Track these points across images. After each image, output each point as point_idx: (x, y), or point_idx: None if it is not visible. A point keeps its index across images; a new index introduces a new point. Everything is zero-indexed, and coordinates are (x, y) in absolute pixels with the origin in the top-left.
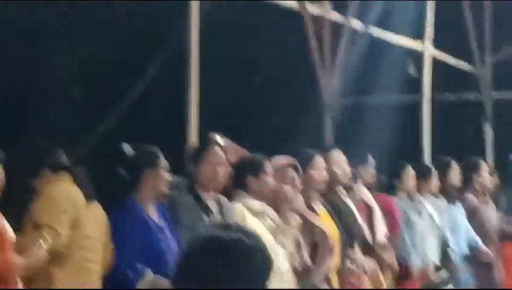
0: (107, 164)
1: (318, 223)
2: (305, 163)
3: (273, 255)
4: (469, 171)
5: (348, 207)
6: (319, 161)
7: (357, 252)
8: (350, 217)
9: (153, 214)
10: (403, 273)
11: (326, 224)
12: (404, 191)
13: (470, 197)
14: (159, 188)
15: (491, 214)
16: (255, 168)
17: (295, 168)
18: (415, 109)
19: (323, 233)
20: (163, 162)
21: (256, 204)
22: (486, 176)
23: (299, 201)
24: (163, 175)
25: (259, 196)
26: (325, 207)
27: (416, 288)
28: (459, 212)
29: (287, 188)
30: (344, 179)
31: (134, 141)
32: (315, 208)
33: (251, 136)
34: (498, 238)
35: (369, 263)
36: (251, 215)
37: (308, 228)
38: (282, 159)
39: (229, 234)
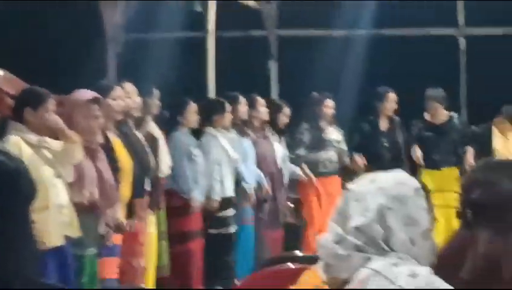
0: None
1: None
2: (103, 94)
3: (51, 188)
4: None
5: (139, 138)
6: (118, 91)
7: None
8: (141, 148)
9: None
10: (183, 208)
11: (120, 155)
12: (187, 127)
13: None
14: None
15: (269, 148)
16: (34, 101)
17: (98, 102)
18: (200, 46)
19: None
20: None
21: (33, 137)
22: (263, 110)
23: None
24: None
25: (38, 129)
26: (119, 137)
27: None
28: (248, 145)
29: (84, 124)
30: (135, 111)
31: None
32: (110, 138)
33: (38, 70)
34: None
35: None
36: (28, 148)
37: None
38: (84, 94)
39: None
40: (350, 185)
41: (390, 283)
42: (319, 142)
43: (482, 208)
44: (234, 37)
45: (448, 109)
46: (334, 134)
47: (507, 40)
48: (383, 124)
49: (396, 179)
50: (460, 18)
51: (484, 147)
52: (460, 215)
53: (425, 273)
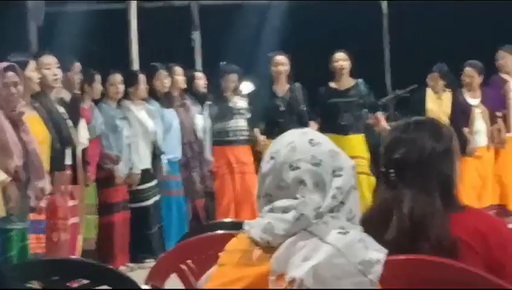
0: None
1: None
2: (21, 66)
3: None
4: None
5: (58, 111)
6: (36, 63)
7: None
8: (60, 121)
9: None
10: (109, 179)
11: (36, 128)
12: (111, 98)
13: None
14: None
15: (188, 118)
16: None
17: (14, 70)
18: (122, 16)
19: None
20: None
21: None
22: (180, 79)
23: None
24: None
25: None
26: (37, 110)
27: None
28: (173, 116)
29: (3, 92)
30: (55, 83)
31: None
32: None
33: None
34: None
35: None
36: None
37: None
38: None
39: None
40: (279, 153)
41: (321, 241)
42: (227, 112)
43: (406, 166)
44: (156, 7)
45: (370, 72)
46: (240, 102)
47: (429, 3)
48: (281, 89)
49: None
50: None
51: (417, 110)
52: (383, 176)
53: (355, 230)
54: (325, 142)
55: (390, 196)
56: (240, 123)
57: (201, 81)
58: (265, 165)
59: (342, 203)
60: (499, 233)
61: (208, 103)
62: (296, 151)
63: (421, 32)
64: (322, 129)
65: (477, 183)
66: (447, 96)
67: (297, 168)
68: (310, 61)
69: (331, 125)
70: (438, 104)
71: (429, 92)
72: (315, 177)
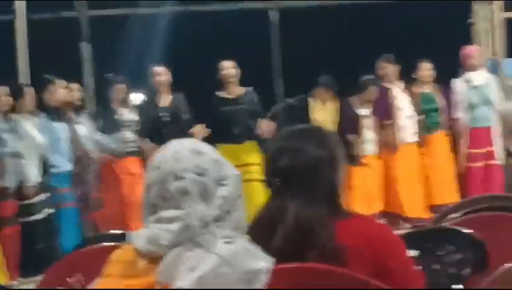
0: None
1: None
2: None
3: None
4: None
5: None
6: None
7: None
8: None
9: None
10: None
11: None
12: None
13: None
14: None
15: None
16: None
17: None
18: (9, 29)
19: None
20: None
21: None
22: (62, 92)
23: None
24: None
25: None
26: None
27: None
28: (62, 129)
29: None
30: None
31: None
32: None
33: None
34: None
35: None
36: None
37: None
38: None
39: None
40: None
41: (206, 251)
42: (115, 124)
43: (291, 175)
44: (45, 18)
45: (260, 82)
46: (128, 115)
47: (318, 11)
48: (164, 100)
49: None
50: None
51: (301, 118)
52: (268, 185)
53: (241, 240)
54: (210, 151)
55: (275, 205)
56: (127, 135)
57: (75, 93)
58: (150, 175)
59: (228, 212)
60: (385, 239)
61: (85, 114)
62: (181, 161)
63: (311, 41)
64: (215, 139)
65: (366, 191)
66: (332, 105)
67: (182, 178)
68: (200, 70)
69: (224, 134)
70: (322, 113)
71: (313, 102)
72: (200, 187)
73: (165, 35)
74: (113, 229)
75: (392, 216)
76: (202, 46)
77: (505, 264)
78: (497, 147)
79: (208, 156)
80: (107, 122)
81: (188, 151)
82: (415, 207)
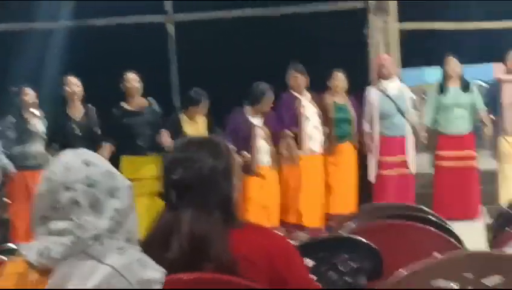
0: None
1: None
2: None
3: None
4: None
5: None
6: None
7: None
8: None
9: None
10: None
11: None
12: None
13: None
14: None
15: None
16: None
17: None
18: None
19: None
20: None
21: None
22: None
23: None
24: None
25: None
26: None
27: None
28: None
29: None
30: None
31: None
32: None
33: None
34: None
35: None
36: None
37: None
38: None
39: None
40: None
41: (98, 262)
42: (26, 135)
43: (185, 186)
44: None
45: (159, 94)
46: (39, 126)
47: (214, 25)
48: (75, 112)
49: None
50: (168, 5)
51: (177, 132)
52: (163, 196)
53: (133, 250)
54: (101, 162)
55: (171, 216)
56: (39, 146)
57: None
58: (41, 186)
59: (120, 224)
60: (279, 248)
61: None
62: (71, 172)
63: (208, 53)
64: (119, 150)
65: (264, 202)
66: (202, 119)
67: (72, 189)
68: (99, 83)
69: (128, 146)
70: (194, 127)
71: (185, 118)
72: (90, 198)
73: (61, 50)
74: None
75: (290, 226)
76: (100, 60)
77: (399, 271)
78: (410, 156)
79: (99, 167)
80: (20, 132)
81: (79, 162)
82: (314, 217)
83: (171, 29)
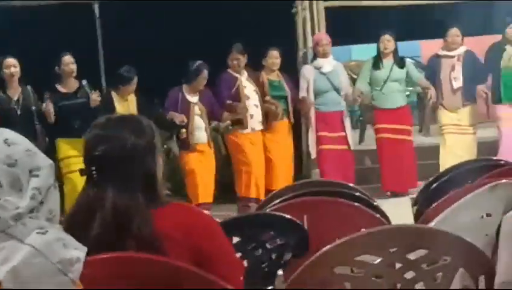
0: None
1: None
2: None
3: None
4: None
5: None
6: None
7: None
8: None
9: None
10: None
11: None
12: None
13: None
14: None
15: None
16: None
17: None
18: None
19: None
20: None
21: None
22: None
23: None
24: None
25: None
26: None
27: None
28: None
29: None
30: None
31: None
32: None
33: None
34: None
35: None
36: None
37: None
38: None
39: None
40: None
41: (19, 242)
42: None
43: (107, 163)
44: None
45: (86, 75)
46: None
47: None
48: (14, 93)
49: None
50: None
51: (107, 111)
52: (85, 173)
53: (54, 230)
54: (22, 141)
55: (93, 193)
56: None
57: None
58: None
59: (41, 203)
60: (203, 225)
61: None
62: None
63: (135, 34)
64: (54, 133)
65: (202, 177)
66: (132, 98)
67: None
68: (27, 65)
69: (64, 128)
70: (125, 106)
71: (115, 96)
72: (10, 177)
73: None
74: None
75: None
76: (26, 42)
77: (324, 248)
78: (348, 132)
79: (19, 146)
80: None
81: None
82: (259, 191)
83: (97, 9)
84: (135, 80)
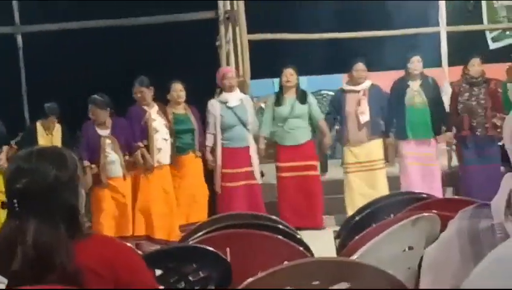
0: None
1: None
2: None
3: None
4: None
5: None
6: None
7: None
8: None
9: None
10: None
11: None
12: None
13: None
14: None
15: None
16: None
17: None
18: None
19: None
20: None
21: None
22: None
23: None
24: None
25: None
26: None
27: None
28: None
29: None
30: None
31: None
32: None
33: None
34: None
35: None
36: None
37: None
38: None
39: None
40: None
41: None
42: None
43: (29, 196)
44: None
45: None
46: None
47: (62, 35)
48: None
49: None
50: (16, 16)
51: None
52: (6, 206)
53: None
54: None
55: (14, 227)
56: None
57: None
58: None
59: None
60: (125, 258)
61: None
62: None
63: (58, 64)
64: None
65: (115, 213)
66: (58, 131)
67: None
68: None
69: None
70: (48, 139)
71: (39, 127)
72: None
73: None
74: None
75: (143, 238)
76: None
77: (247, 280)
78: (255, 167)
79: None
80: None
81: None
82: (164, 229)
83: (19, 39)
84: (57, 114)
